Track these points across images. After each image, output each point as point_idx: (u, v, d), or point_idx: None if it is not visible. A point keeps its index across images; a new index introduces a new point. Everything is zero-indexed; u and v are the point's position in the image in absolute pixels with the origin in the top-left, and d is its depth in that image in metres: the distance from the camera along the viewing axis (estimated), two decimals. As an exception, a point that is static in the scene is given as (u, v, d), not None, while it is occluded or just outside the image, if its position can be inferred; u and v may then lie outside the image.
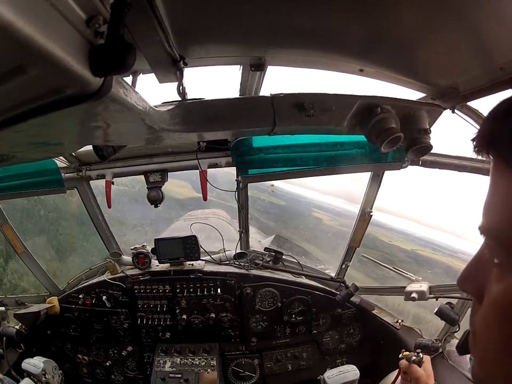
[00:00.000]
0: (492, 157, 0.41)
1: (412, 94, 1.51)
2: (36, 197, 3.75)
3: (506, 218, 0.37)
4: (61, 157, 2.37)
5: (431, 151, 1.39)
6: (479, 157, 0.42)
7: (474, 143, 0.43)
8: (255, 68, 1.36)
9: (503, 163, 0.38)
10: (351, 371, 2.17)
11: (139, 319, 2.69)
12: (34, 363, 2.31)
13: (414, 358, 1.32)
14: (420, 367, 1.31)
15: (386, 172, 2.32)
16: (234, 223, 3.63)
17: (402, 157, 2.17)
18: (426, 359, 1.35)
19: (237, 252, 2.82)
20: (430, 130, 1.38)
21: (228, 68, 1.45)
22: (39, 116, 0.67)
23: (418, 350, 1.35)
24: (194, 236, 2.62)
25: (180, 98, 1.29)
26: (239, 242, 2.84)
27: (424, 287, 2.20)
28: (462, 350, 1.43)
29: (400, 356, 1.38)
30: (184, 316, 2.63)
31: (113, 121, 0.85)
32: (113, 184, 2.42)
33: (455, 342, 2.24)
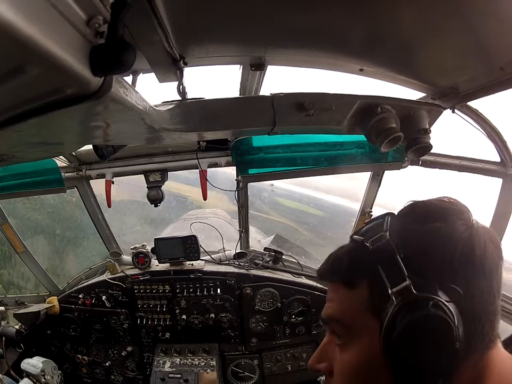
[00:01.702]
0: (329, 282, 0.67)
1: (412, 94, 1.51)
2: (36, 197, 3.75)
3: (342, 310, 0.62)
4: (61, 157, 2.36)
5: (431, 151, 1.39)
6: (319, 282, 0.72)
7: (319, 276, 0.70)
8: (255, 68, 1.36)
9: (338, 284, 0.64)
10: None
11: (139, 319, 2.69)
12: (33, 363, 2.31)
13: None
14: None
15: (386, 172, 2.32)
16: (234, 222, 3.63)
17: (402, 157, 2.17)
18: None
19: (236, 251, 2.82)
20: (430, 130, 1.38)
21: (228, 68, 1.45)
22: (39, 116, 0.67)
23: None
24: (194, 236, 2.62)
25: (180, 98, 1.29)
26: (239, 242, 2.83)
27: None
28: None
29: None
30: (184, 316, 2.62)
31: (113, 120, 0.85)
32: (113, 183, 2.42)
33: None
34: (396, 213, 0.63)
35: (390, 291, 0.53)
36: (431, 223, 0.56)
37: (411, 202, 0.62)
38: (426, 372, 0.51)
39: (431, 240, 0.55)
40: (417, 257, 0.54)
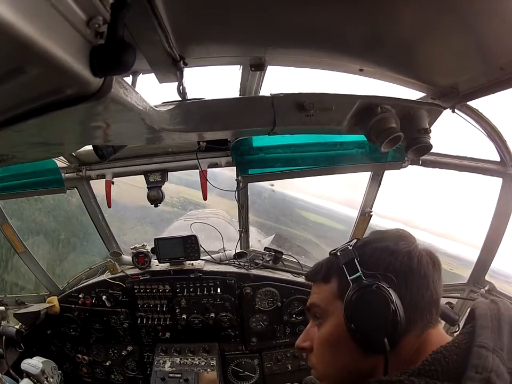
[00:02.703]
0: (313, 282, 0.91)
1: (412, 94, 1.51)
2: (35, 197, 3.76)
3: (320, 298, 0.86)
4: (61, 157, 2.36)
5: (431, 151, 1.39)
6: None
7: (307, 278, 0.95)
8: (255, 68, 1.36)
9: (319, 281, 0.89)
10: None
11: (139, 319, 2.69)
12: (33, 363, 2.31)
13: None
14: None
15: (386, 172, 2.32)
16: (234, 222, 3.64)
17: (402, 157, 2.17)
18: None
19: (236, 251, 2.82)
20: (430, 130, 1.38)
21: (228, 68, 1.45)
22: (39, 116, 0.67)
23: None
24: (194, 236, 2.62)
25: (180, 98, 1.29)
26: (239, 242, 2.84)
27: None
28: None
29: None
30: (184, 316, 2.63)
31: (113, 121, 0.85)
32: (113, 184, 2.42)
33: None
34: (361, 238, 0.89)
35: (348, 278, 0.79)
36: (382, 242, 0.82)
37: (373, 231, 0.90)
38: (375, 335, 0.72)
39: (380, 252, 0.80)
40: (370, 261, 0.79)
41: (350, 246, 0.85)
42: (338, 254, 0.85)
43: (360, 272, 0.78)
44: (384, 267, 0.77)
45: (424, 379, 0.62)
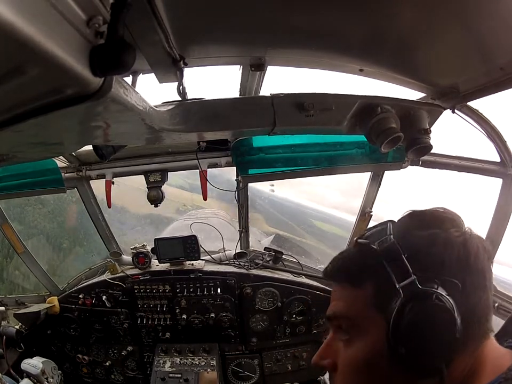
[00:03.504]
0: (335, 282, 0.71)
1: (412, 94, 1.51)
2: (35, 197, 3.76)
3: (348, 307, 0.66)
4: (61, 157, 2.36)
5: (431, 151, 1.39)
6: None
7: (326, 276, 0.73)
8: (255, 68, 1.36)
9: (344, 283, 0.68)
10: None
11: (139, 319, 2.69)
12: (33, 363, 2.31)
13: None
14: None
15: (386, 172, 2.32)
16: (234, 222, 3.64)
17: (402, 157, 2.17)
18: None
19: (237, 251, 2.82)
20: (430, 130, 1.38)
21: (228, 68, 1.45)
22: (39, 116, 0.67)
23: None
24: (194, 236, 2.62)
25: (180, 98, 1.29)
26: (239, 242, 2.83)
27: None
28: None
29: None
30: (184, 316, 2.63)
31: (113, 121, 0.85)
32: (113, 184, 2.42)
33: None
34: (396, 221, 0.69)
35: (397, 286, 0.59)
36: (429, 229, 0.63)
37: (409, 211, 0.69)
38: (430, 358, 0.57)
39: (430, 244, 0.61)
40: (420, 257, 0.60)
41: (390, 234, 0.64)
42: (376, 247, 0.64)
43: (414, 276, 0.59)
44: (439, 266, 0.59)
45: None
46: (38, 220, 4.64)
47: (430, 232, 0.62)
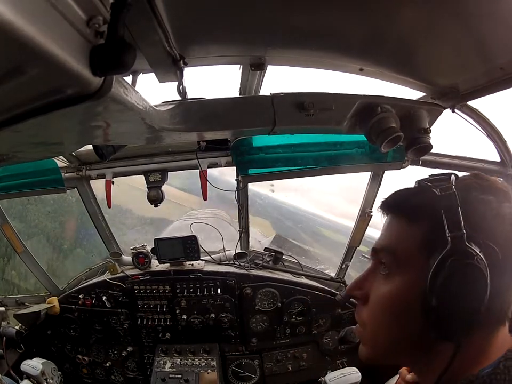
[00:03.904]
0: (392, 214, 0.71)
1: (412, 94, 1.51)
2: (35, 197, 3.76)
3: (398, 241, 0.66)
4: (61, 157, 2.36)
5: (431, 151, 1.39)
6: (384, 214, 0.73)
7: (381, 207, 0.73)
8: (255, 68, 1.36)
9: (400, 217, 0.68)
10: (353, 374, 2.16)
11: (139, 320, 2.69)
12: (33, 365, 2.31)
13: None
14: None
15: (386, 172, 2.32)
16: (235, 222, 3.64)
17: (402, 157, 2.17)
18: None
19: (237, 251, 2.82)
20: (430, 130, 1.37)
21: (228, 68, 1.45)
22: (39, 116, 0.67)
23: None
24: (194, 236, 2.62)
25: (180, 98, 1.29)
26: (239, 242, 2.83)
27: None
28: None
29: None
30: (184, 316, 2.62)
31: (113, 120, 0.85)
32: (113, 184, 2.42)
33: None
34: (459, 176, 0.69)
35: (448, 234, 0.59)
36: (487, 194, 0.63)
37: (475, 172, 0.69)
38: (453, 320, 0.58)
39: (484, 207, 0.61)
40: (472, 217, 0.60)
41: (452, 184, 0.63)
42: (438, 192, 0.63)
43: (464, 231, 0.58)
44: (487, 231, 0.59)
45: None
46: (40, 219, 4.65)
47: (487, 197, 0.62)
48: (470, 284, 0.57)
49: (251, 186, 2.54)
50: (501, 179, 1.89)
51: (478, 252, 0.57)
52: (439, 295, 0.58)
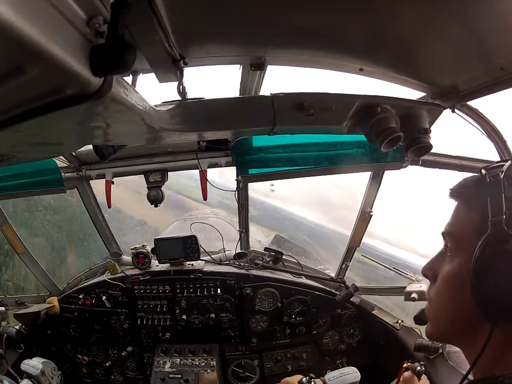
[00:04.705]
0: (456, 200, 0.75)
1: (412, 94, 1.51)
2: (35, 197, 3.76)
3: (458, 227, 0.73)
4: (61, 157, 2.36)
5: (431, 151, 1.39)
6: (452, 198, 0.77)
7: (450, 193, 0.77)
8: (255, 68, 1.36)
9: (463, 203, 0.73)
10: (352, 373, 2.15)
11: (139, 319, 2.69)
12: (33, 364, 2.30)
13: (418, 368, 1.33)
14: (420, 377, 1.33)
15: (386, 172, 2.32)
16: (234, 222, 3.64)
17: (402, 157, 2.17)
18: (424, 377, 1.38)
19: (237, 251, 2.82)
20: (430, 130, 1.38)
21: (228, 68, 1.45)
22: (39, 116, 0.67)
23: (422, 362, 1.39)
24: (194, 236, 2.62)
25: (180, 98, 1.29)
26: (239, 242, 2.83)
27: (424, 287, 2.19)
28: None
29: (405, 365, 1.39)
30: (184, 316, 2.62)
31: (113, 121, 0.85)
32: (113, 184, 2.42)
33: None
34: None
35: (489, 219, 0.64)
36: None
37: None
38: (489, 299, 0.62)
39: None
40: None
41: (502, 171, 0.66)
42: (487, 177, 0.68)
43: (504, 216, 0.62)
44: None
45: None
46: (40, 218, 4.65)
47: None
48: (501, 267, 0.61)
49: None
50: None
51: None
52: (479, 276, 0.63)
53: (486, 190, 0.67)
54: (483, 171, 0.71)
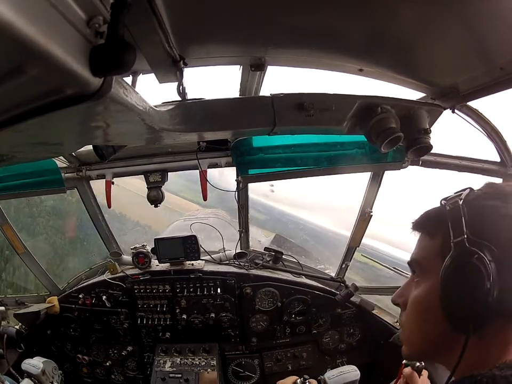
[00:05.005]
0: (419, 232, 0.83)
1: (412, 94, 1.51)
2: (36, 197, 3.76)
3: (422, 254, 0.80)
4: (61, 157, 2.36)
5: (431, 151, 1.39)
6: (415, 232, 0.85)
7: (413, 226, 0.84)
8: (255, 68, 1.36)
9: (425, 234, 0.81)
10: (352, 372, 2.16)
11: (139, 319, 2.69)
12: (34, 363, 2.31)
13: (417, 364, 1.33)
14: (420, 373, 1.33)
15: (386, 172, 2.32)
16: (234, 222, 3.64)
17: (402, 157, 2.17)
18: (425, 373, 1.38)
19: (236, 251, 2.82)
20: (430, 130, 1.37)
21: (228, 68, 1.45)
22: (39, 116, 0.67)
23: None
24: (194, 236, 2.62)
25: (180, 98, 1.29)
26: (239, 242, 2.83)
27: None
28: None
29: (404, 362, 1.39)
30: (184, 316, 2.63)
31: (113, 121, 0.85)
32: (113, 184, 2.42)
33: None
34: (475, 189, 0.78)
35: (452, 241, 0.70)
36: (494, 200, 0.70)
37: (487, 182, 0.78)
38: (461, 312, 0.66)
39: (489, 214, 0.70)
40: (476, 223, 0.69)
41: (461, 199, 0.73)
42: (447, 207, 0.74)
43: (465, 236, 0.68)
44: (490, 233, 0.68)
45: None
46: (41, 217, 4.65)
47: (493, 203, 0.70)
48: (469, 280, 0.66)
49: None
50: (500, 178, 1.90)
51: (478, 251, 0.65)
52: (447, 291, 0.69)
53: (446, 218, 0.73)
54: (443, 202, 0.78)
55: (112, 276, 2.73)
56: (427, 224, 0.81)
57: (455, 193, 0.78)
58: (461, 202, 0.72)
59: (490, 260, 0.65)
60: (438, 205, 0.81)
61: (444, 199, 0.78)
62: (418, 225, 0.84)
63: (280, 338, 2.71)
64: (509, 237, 0.66)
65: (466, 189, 0.77)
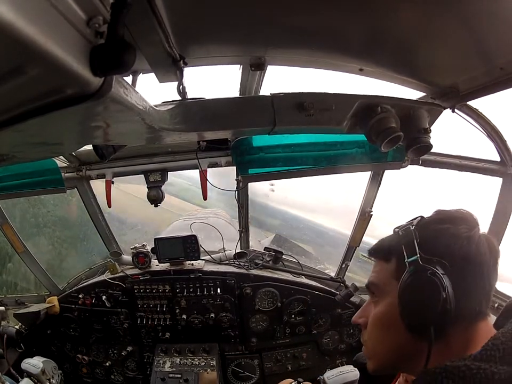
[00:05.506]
0: (375, 258, 0.92)
1: (412, 93, 1.51)
2: (35, 197, 3.76)
3: (379, 277, 0.87)
4: (61, 157, 2.36)
5: (431, 151, 1.39)
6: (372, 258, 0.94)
7: (369, 254, 0.94)
8: (255, 68, 1.36)
9: (381, 260, 0.89)
10: (351, 371, 2.16)
11: (139, 319, 2.69)
12: (34, 363, 2.31)
13: None
14: None
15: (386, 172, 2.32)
16: (234, 222, 3.64)
17: (402, 156, 2.17)
18: None
19: (236, 251, 2.82)
20: (430, 130, 1.37)
21: (228, 68, 1.45)
22: (39, 116, 0.67)
23: None
24: (194, 236, 2.62)
25: (180, 98, 1.29)
26: (239, 242, 2.83)
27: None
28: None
29: None
30: (184, 316, 2.63)
31: (113, 121, 0.85)
32: (113, 183, 2.42)
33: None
34: (425, 216, 0.86)
35: (406, 260, 0.78)
36: (444, 224, 0.79)
37: (436, 210, 0.86)
38: (421, 320, 0.73)
39: (440, 234, 0.78)
40: (428, 244, 0.78)
41: (413, 225, 0.82)
42: (400, 233, 0.84)
43: (418, 255, 0.77)
44: (442, 251, 0.76)
45: (487, 364, 0.62)
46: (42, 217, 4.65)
47: (443, 226, 0.79)
48: (427, 291, 0.73)
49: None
50: (500, 178, 1.90)
51: (432, 267, 0.74)
52: (405, 304, 0.77)
53: (400, 242, 0.82)
54: (396, 229, 0.87)
55: (112, 275, 2.73)
56: (382, 250, 0.90)
57: (406, 222, 0.87)
58: (412, 228, 0.81)
59: (443, 273, 0.73)
60: (392, 233, 0.90)
61: (397, 227, 0.88)
62: (375, 251, 0.92)
63: (280, 339, 2.71)
64: (460, 253, 0.74)
65: (417, 217, 0.86)
